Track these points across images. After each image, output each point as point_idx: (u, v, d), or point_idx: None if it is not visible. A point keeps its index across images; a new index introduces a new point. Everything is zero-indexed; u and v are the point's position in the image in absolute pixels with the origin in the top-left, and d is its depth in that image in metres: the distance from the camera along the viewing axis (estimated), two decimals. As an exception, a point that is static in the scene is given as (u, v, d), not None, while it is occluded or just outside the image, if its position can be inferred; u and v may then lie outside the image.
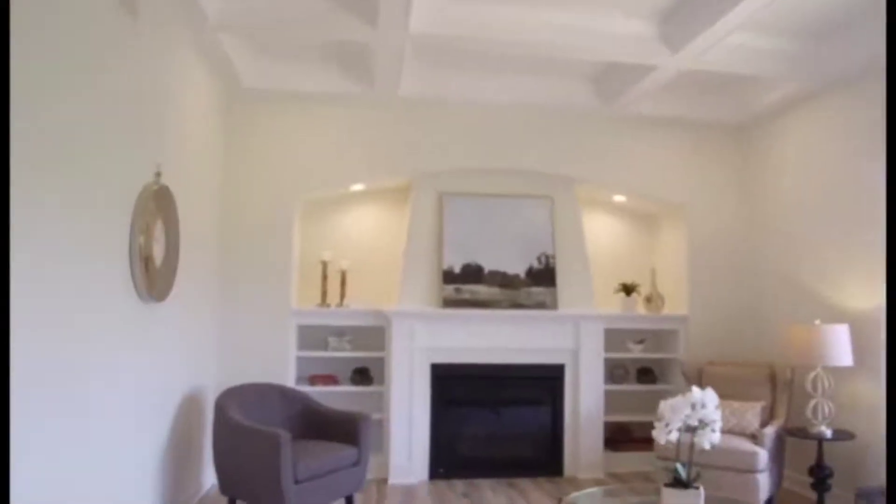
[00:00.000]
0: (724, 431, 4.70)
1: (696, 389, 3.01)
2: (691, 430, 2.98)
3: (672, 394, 5.87)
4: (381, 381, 5.41)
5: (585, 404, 5.47)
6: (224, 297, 5.11)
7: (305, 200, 5.65)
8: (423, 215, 5.47)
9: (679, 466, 3.02)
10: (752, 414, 4.74)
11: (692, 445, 3.03)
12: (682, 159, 5.86)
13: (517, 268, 5.43)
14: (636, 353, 5.85)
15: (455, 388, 5.40)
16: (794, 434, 4.58)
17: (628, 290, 5.85)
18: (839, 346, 4.44)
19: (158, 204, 3.48)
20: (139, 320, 3.42)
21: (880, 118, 4.33)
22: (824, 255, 4.95)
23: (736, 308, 5.79)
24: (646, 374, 5.94)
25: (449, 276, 5.31)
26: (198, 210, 4.42)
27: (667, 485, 3.03)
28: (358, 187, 5.64)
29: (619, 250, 6.23)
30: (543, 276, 5.46)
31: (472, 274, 5.34)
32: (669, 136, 5.84)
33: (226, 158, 5.16)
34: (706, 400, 2.92)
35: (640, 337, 5.92)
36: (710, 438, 2.91)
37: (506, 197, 5.56)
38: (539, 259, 5.48)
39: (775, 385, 4.95)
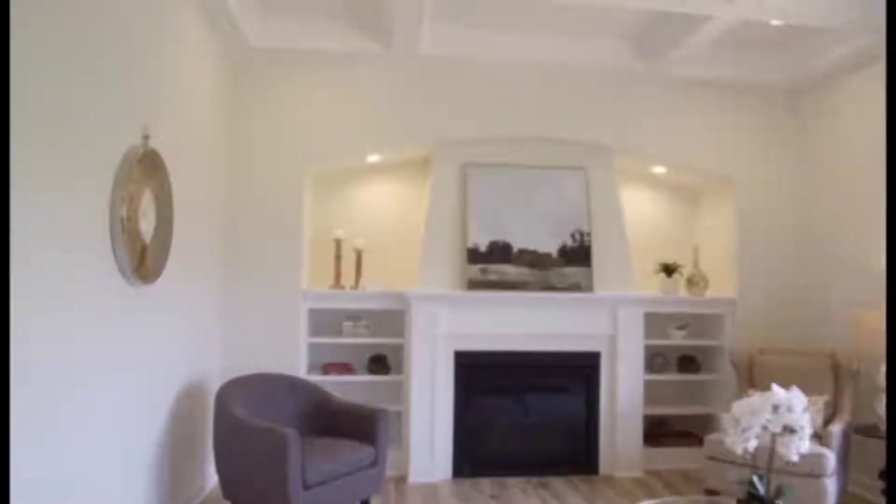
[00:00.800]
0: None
1: (777, 389, 2.52)
2: (772, 436, 2.49)
3: (717, 385, 5.41)
4: (400, 370, 4.97)
5: (623, 396, 4.99)
6: (228, 278, 4.67)
7: (317, 173, 5.18)
8: (445, 188, 4.98)
9: (755, 479, 2.54)
10: (814, 410, 4.22)
11: (772, 454, 2.54)
12: (731, 127, 5.31)
13: (549, 246, 4.93)
14: (677, 339, 5.36)
15: (481, 377, 4.94)
16: (863, 433, 4.08)
17: (669, 270, 5.34)
18: (918, 333, 3.91)
19: (145, 171, 3.03)
20: (125, 305, 2.98)
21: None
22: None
23: (790, 291, 5.27)
24: (688, 362, 5.45)
25: (474, 256, 4.83)
26: (196, 180, 3.96)
27: (741, 501, 2.55)
28: (374, 158, 5.16)
29: (657, 227, 5.71)
30: (578, 255, 4.96)
31: (500, 253, 4.86)
32: (717, 101, 5.29)
33: (230, 125, 4.69)
34: (793, 402, 2.43)
35: (682, 322, 5.41)
36: (798, 447, 2.43)
37: (536, 168, 5.05)
38: (573, 236, 4.98)
39: (838, 377, 4.44)
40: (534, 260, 4.89)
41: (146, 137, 3.08)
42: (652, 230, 5.65)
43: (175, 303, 3.64)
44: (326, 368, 4.92)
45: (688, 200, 5.83)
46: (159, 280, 3.25)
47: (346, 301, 4.94)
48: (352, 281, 5.03)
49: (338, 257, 5.01)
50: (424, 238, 4.90)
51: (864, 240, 4.66)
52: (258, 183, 4.75)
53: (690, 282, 5.45)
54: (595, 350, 5.01)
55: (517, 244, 4.90)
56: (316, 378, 4.78)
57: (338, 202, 5.33)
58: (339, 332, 5.00)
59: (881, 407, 4.03)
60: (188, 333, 3.94)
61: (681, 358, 5.47)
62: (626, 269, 5.10)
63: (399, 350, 4.98)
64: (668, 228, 5.75)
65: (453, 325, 4.80)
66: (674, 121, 5.22)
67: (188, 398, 3.90)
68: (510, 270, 4.85)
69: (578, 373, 5.03)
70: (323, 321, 5.03)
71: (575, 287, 4.91)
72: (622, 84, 5.13)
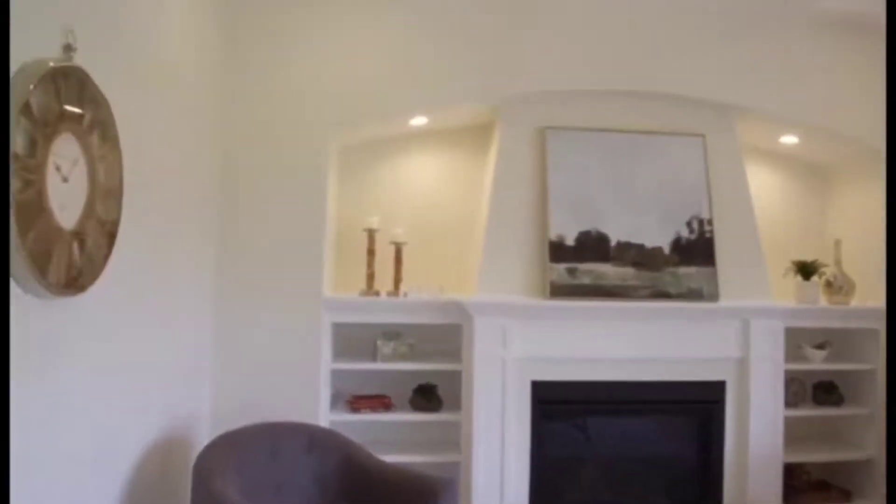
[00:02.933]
0: None
1: None
2: None
3: (866, 421, 3.94)
4: (457, 406, 3.68)
5: (757, 438, 3.68)
6: (223, 284, 3.41)
7: (344, 145, 3.91)
8: (516, 161, 3.68)
9: None
10: None
11: None
12: (877, 84, 3.96)
13: (659, 238, 3.64)
14: (816, 362, 4.03)
15: (566, 416, 3.66)
16: None
17: (808, 271, 4.02)
18: None
19: (64, 100, 1.75)
20: (36, 328, 1.71)
21: None
22: None
23: None
24: (827, 391, 4.13)
25: (559, 251, 3.53)
26: (166, 138, 2.69)
27: None
28: (419, 122, 3.86)
29: (784, 216, 4.39)
30: (697, 250, 3.66)
31: (594, 247, 3.57)
32: (870, 49, 3.95)
33: (224, 76, 3.41)
34: None
35: (822, 339, 4.09)
36: None
37: (639, 134, 3.75)
38: (690, 225, 3.68)
39: None
40: (640, 257, 3.59)
41: (69, 48, 1.80)
42: (777, 219, 4.31)
43: (133, 320, 2.37)
44: (356, 404, 3.64)
45: (825, 182, 4.50)
46: (96, 288, 1.97)
47: (381, 312, 3.66)
48: (389, 285, 3.75)
49: (370, 253, 3.74)
50: (488, 227, 3.61)
51: None
52: (263, 155, 3.48)
53: (830, 286, 4.13)
54: (719, 379, 3.71)
55: (616, 236, 3.60)
56: (341, 419, 3.51)
57: (371, 183, 4.05)
58: (372, 355, 3.73)
59: None
60: (160, 365, 2.67)
61: (817, 385, 4.15)
62: (760, 269, 3.79)
63: (454, 379, 3.70)
64: (798, 218, 4.43)
65: (530, 345, 3.52)
66: (815, 75, 3.88)
67: (160, 463, 2.63)
68: (609, 271, 3.55)
69: (698, 410, 3.72)
70: (351, 340, 3.76)
71: (695, 294, 3.60)
72: (749, 23, 3.80)
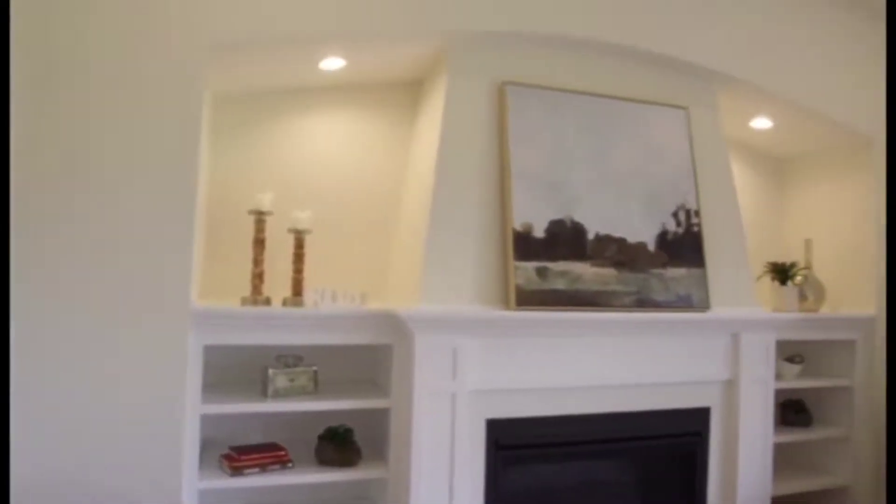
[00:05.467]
0: None
1: None
2: None
3: (841, 443, 3.39)
4: (380, 458, 2.68)
5: (746, 476, 3.03)
6: (24, 292, 2.14)
7: (224, 91, 2.77)
8: (467, 125, 2.74)
9: None
10: None
11: None
12: (869, 64, 3.50)
13: (642, 231, 2.86)
14: (790, 378, 3.48)
15: (533, 466, 2.77)
16: None
17: (784, 275, 3.46)
18: None
19: None
20: None
21: None
22: None
23: None
24: (797, 411, 3.61)
25: (525, 245, 2.64)
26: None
27: None
28: (332, 66, 2.80)
29: (751, 212, 3.82)
30: (685, 247, 2.93)
31: (569, 241, 2.71)
32: (871, 33, 3.49)
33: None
34: None
35: (794, 352, 3.55)
36: None
37: (618, 100, 2.95)
38: (676, 217, 2.94)
39: None
40: (622, 255, 2.79)
41: None
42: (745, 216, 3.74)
43: None
44: (237, 461, 2.50)
45: (789, 176, 4.00)
46: None
47: (275, 330, 2.54)
48: (286, 290, 2.68)
49: (259, 244, 2.65)
50: (432, 214, 2.62)
51: None
52: (94, 97, 2.26)
53: (799, 292, 3.60)
54: (703, 405, 3.01)
55: (594, 227, 2.77)
56: (216, 486, 2.39)
57: (262, 149, 2.94)
58: (261, 390, 2.61)
59: None
60: None
61: (784, 405, 3.62)
62: (745, 271, 3.15)
63: (379, 421, 2.69)
64: (766, 214, 3.89)
65: (488, 372, 2.59)
66: (809, 49, 3.33)
67: None
68: (586, 272, 2.71)
69: (679, 445, 2.99)
70: (231, 369, 2.65)
71: (684, 301, 2.86)
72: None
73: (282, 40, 2.47)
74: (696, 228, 2.96)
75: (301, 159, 2.95)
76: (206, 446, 2.60)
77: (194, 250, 2.37)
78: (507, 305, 2.60)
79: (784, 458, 3.61)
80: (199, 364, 2.40)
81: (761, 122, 3.60)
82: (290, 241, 2.72)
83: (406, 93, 3.05)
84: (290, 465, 2.58)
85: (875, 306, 3.48)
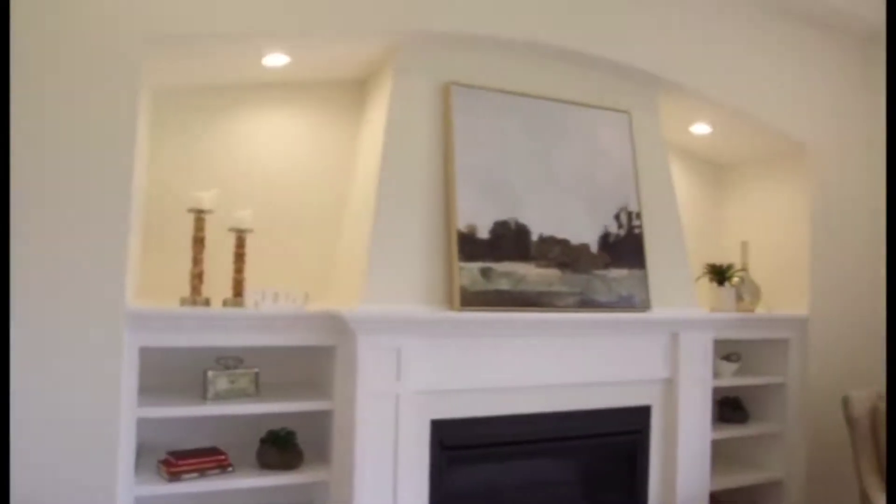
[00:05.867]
0: None
1: None
2: None
3: (775, 439, 3.53)
4: (324, 460, 2.65)
5: (685, 472, 3.11)
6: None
7: (164, 85, 2.70)
8: (412, 126, 2.73)
9: None
10: None
11: None
12: (803, 72, 3.64)
13: (585, 233, 2.91)
14: (727, 377, 3.58)
15: (479, 466, 2.78)
16: None
17: (722, 276, 3.57)
18: None
19: None
20: None
21: None
22: None
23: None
24: (734, 408, 3.71)
25: (470, 246, 2.65)
26: None
27: None
28: (276, 62, 2.76)
29: (691, 214, 3.93)
30: (627, 248, 2.99)
31: (513, 242, 2.74)
32: (812, 41, 3.64)
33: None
34: None
35: (730, 351, 3.66)
36: None
37: (563, 103, 2.99)
38: (618, 219, 3.00)
39: None
40: (565, 256, 2.83)
41: None
42: (685, 218, 3.84)
43: None
44: (175, 466, 2.44)
45: (726, 181, 4.13)
46: None
47: (215, 331, 2.48)
48: (227, 291, 2.63)
49: (198, 243, 2.59)
50: (376, 214, 2.61)
51: None
52: (30, 87, 2.17)
53: (735, 293, 3.72)
54: (644, 403, 3.07)
55: (538, 228, 2.80)
56: (153, 492, 2.33)
57: (203, 145, 2.87)
58: (200, 393, 2.55)
59: None
60: None
61: (722, 402, 3.72)
62: (685, 272, 3.23)
63: (322, 423, 2.67)
64: (705, 217, 4.01)
65: (433, 373, 2.59)
66: (750, 58, 3.45)
67: None
68: (530, 273, 2.74)
69: (622, 443, 3.05)
70: (168, 371, 2.58)
71: (626, 302, 2.92)
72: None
73: (222, 35, 2.42)
74: (637, 230, 3.03)
75: (244, 157, 2.90)
76: (144, 451, 2.53)
77: (130, 249, 2.30)
78: (451, 306, 2.60)
79: (722, 454, 3.72)
80: (134, 366, 2.32)
81: (701, 128, 3.70)
82: (230, 240, 2.66)
83: (352, 91, 3.03)
84: (230, 469, 2.53)
85: (807, 307, 3.61)
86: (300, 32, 2.52)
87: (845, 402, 3.16)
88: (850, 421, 3.14)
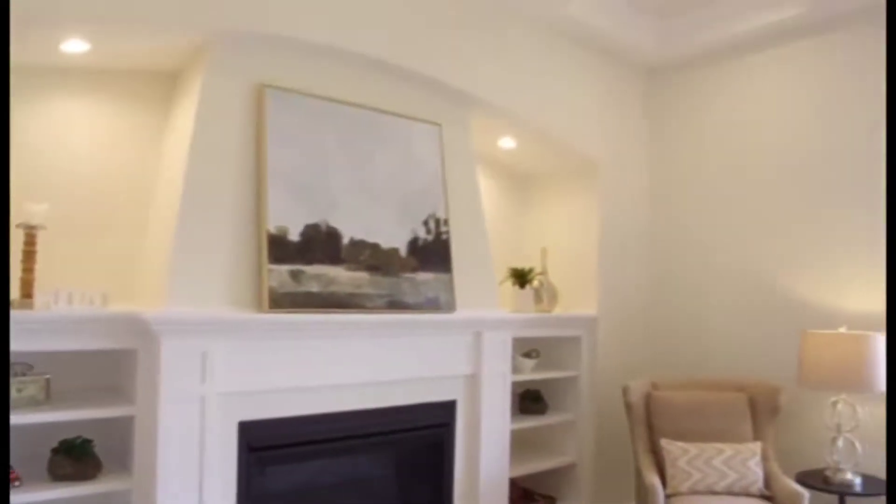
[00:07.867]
0: (722, 492, 3.11)
1: None
2: None
3: (570, 426, 3.96)
4: (124, 468, 2.56)
5: (488, 461, 3.37)
6: None
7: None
8: (222, 125, 2.73)
9: None
10: (754, 462, 3.20)
11: None
12: (595, 98, 4.10)
13: (395, 238, 3.07)
14: (527, 372, 3.93)
15: (290, 466, 2.83)
16: (813, 486, 3.16)
17: (523, 279, 3.90)
18: (874, 362, 3.14)
19: None
20: None
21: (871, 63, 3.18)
22: (796, 237, 3.69)
23: (663, 307, 4.28)
24: (534, 400, 4.07)
25: (280, 248, 2.70)
26: None
27: None
28: (76, 49, 2.63)
29: (497, 222, 4.25)
30: (434, 253, 3.19)
31: (324, 245, 2.83)
32: (602, 66, 4.07)
33: None
34: None
35: (530, 348, 4.02)
36: None
37: (378, 112, 3.13)
38: (427, 225, 3.19)
39: (756, 417, 3.50)
40: (375, 259, 2.97)
41: None
42: (490, 225, 4.15)
43: None
44: (-53, 484, 2.25)
45: (529, 192, 4.50)
46: None
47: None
48: (15, 291, 2.47)
49: (-19, 244, 2.40)
50: (181, 213, 2.58)
51: (759, 247, 3.88)
52: None
53: (535, 295, 4.09)
54: (450, 398, 3.29)
55: (349, 232, 2.92)
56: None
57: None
58: (-20, 403, 2.37)
59: (835, 453, 3.19)
60: None
61: (523, 395, 4.07)
62: (489, 275, 3.50)
63: (121, 430, 2.58)
64: (509, 225, 4.34)
65: (239, 375, 2.61)
66: (546, 78, 3.81)
67: None
68: (341, 276, 2.84)
69: (430, 436, 3.24)
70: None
71: (432, 304, 3.12)
72: (493, 17, 3.54)
73: (16, 30, 2.27)
74: (444, 236, 3.24)
75: (37, 146, 2.72)
76: None
77: None
78: (260, 308, 2.64)
79: (525, 442, 4.07)
80: None
81: (507, 142, 4.03)
82: (19, 236, 2.50)
83: (161, 84, 2.95)
84: (17, 483, 2.37)
85: (596, 307, 4.06)
86: (106, 24, 2.43)
87: (625, 391, 3.60)
88: (628, 406, 3.58)
